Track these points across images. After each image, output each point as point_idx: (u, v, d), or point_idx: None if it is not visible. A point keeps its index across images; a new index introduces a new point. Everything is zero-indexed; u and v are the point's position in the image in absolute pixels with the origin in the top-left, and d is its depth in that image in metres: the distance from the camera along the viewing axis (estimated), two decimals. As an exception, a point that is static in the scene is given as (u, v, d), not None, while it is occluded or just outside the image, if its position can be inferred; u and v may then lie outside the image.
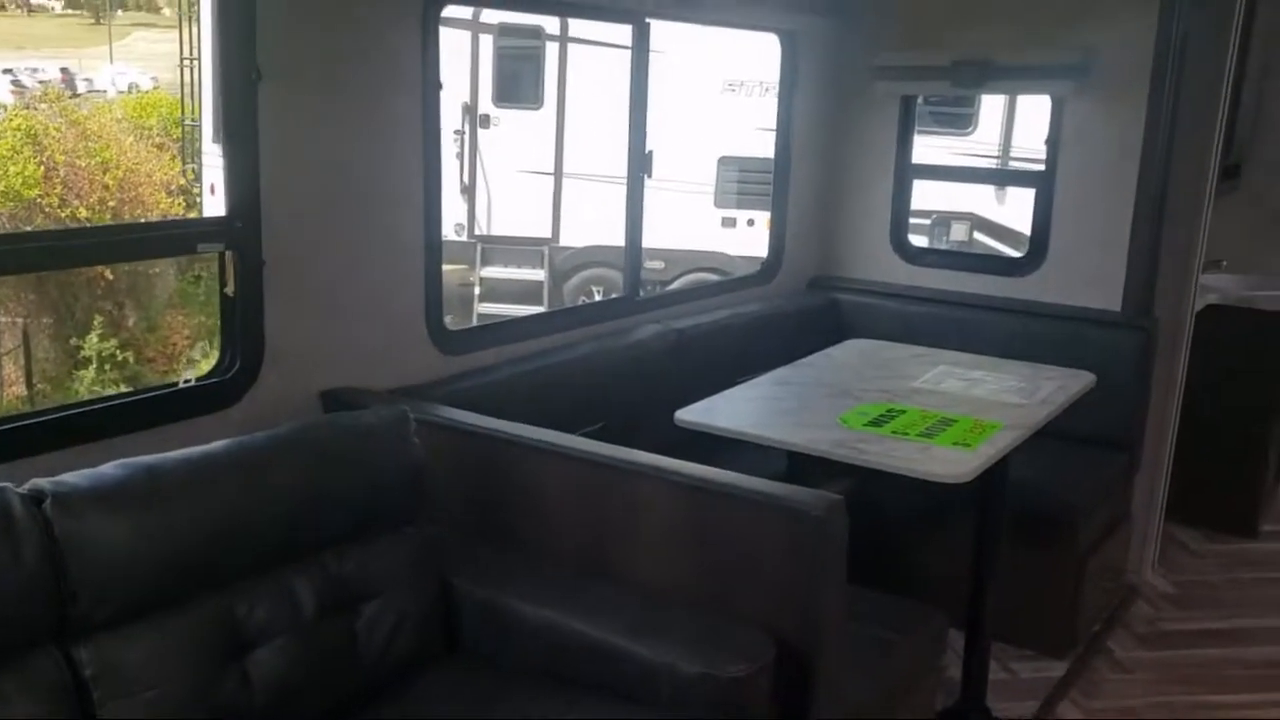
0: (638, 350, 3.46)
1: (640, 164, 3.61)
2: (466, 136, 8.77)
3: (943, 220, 7.87)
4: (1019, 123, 7.63)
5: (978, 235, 7.95)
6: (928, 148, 7.59)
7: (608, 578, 2.27)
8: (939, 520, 3.49)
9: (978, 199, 7.84)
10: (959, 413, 2.91)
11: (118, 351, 9.58)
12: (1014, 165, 7.70)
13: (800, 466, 2.95)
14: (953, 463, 2.56)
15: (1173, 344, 4.01)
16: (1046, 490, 3.42)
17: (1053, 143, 3.96)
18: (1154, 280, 3.88)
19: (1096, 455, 3.71)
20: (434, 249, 2.87)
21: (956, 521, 3.26)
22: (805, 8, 3.97)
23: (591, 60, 8.35)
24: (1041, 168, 4.03)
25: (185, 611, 1.91)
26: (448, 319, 3.00)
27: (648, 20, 3.47)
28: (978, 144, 7.88)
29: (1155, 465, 4.11)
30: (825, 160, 4.38)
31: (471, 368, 3.00)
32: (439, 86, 2.83)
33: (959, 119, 7.99)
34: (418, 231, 2.83)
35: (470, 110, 8.77)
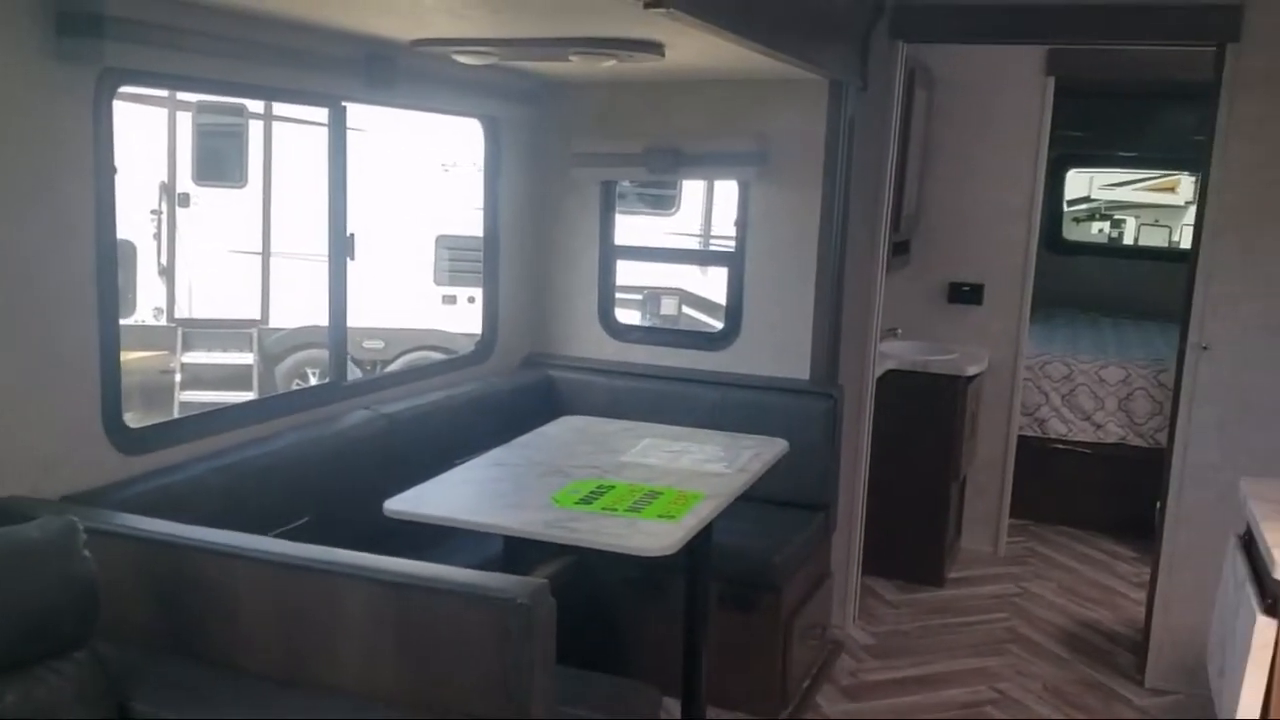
0: (344, 438, 3.34)
1: (342, 246, 3.53)
2: (164, 216, 8.30)
3: (654, 295, 8.19)
4: (717, 204, 8.07)
5: (686, 309, 8.31)
6: (637, 228, 7.87)
7: (307, 687, 2.15)
8: (655, 592, 3.57)
9: (686, 275, 8.21)
10: (664, 485, 3.00)
11: None
12: (715, 244, 8.12)
13: (517, 549, 2.95)
14: (658, 535, 2.62)
15: (858, 409, 4.33)
16: (750, 555, 3.57)
17: (741, 224, 4.21)
18: (837, 350, 4.18)
19: (796, 517, 3.91)
20: (109, 341, 2.67)
21: (671, 592, 3.34)
22: (504, 95, 4.04)
23: (299, 137, 8.14)
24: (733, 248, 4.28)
25: None
26: (129, 415, 2.78)
27: (344, 104, 3.42)
28: (682, 224, 8.28)
29: (850, 523, 4.39)
30: (534, 240, 4.45)
31: (159, 466, 2.80)
32: (114, 170, 2.66)
33: (663, 200, 8.37)
34: (90, 322, 2.63)
35: (168, 189, 8.32)
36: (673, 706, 3.28)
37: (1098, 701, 4.01)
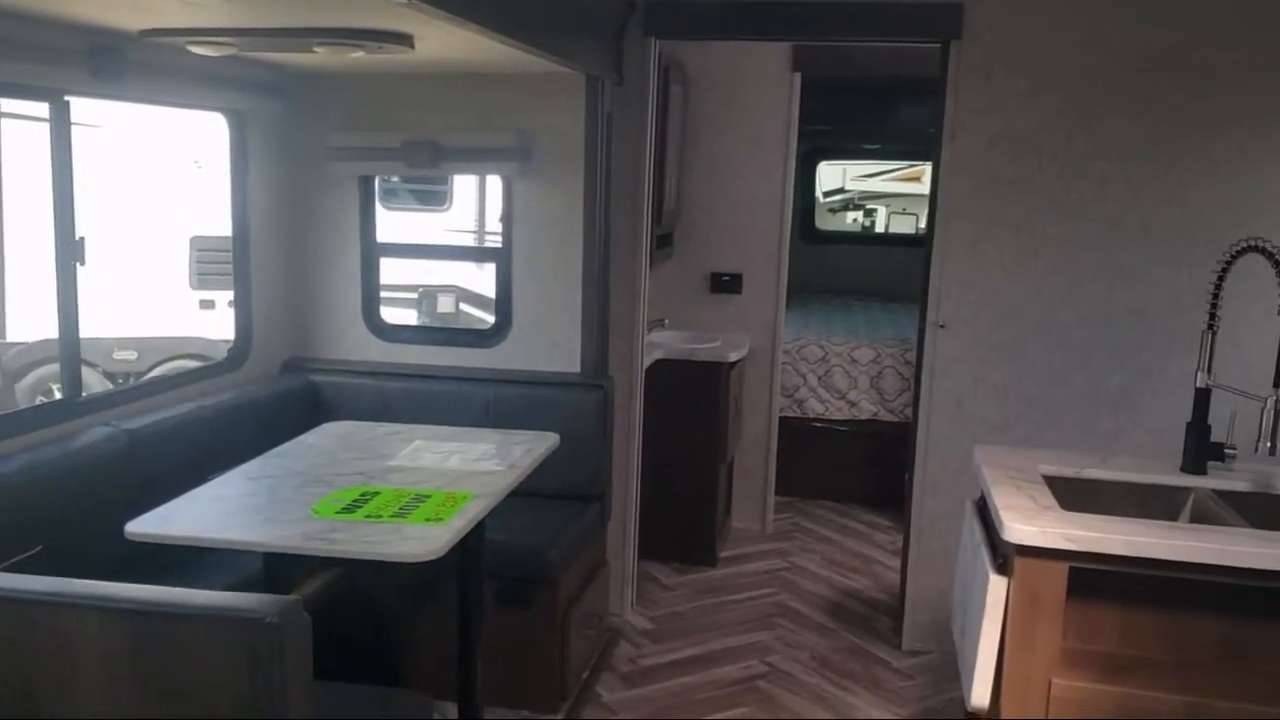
0: (80, 458, 3.10)
1: (70, 250, 3.27)
2: None
3: (430, 293, 8.03)
4: (491, 200, 8.00)
5: (465, 307, 8.20)
6: (412, 224, 7.69)
7: (44, 727, 1.99)
8: (429, 596, 3.50)
9: (463, 271, 8.09)
10: (432, 487, 2.95)
11: None
12: (490, 240, 8.05)
13: (278, 567, 2.83)
14: (424, 539, 2.57)
15: (629, 399, 4.39)
16: (525, 550, 3.57)
17: (507, 220, 4.19)
18: (606, 342, 4.23)
19: (571, 509, 3.93)
20: None
21: (445, 595, 3.29)
22: (247, 87, 3.86)
23: (33, 134, 7.49)
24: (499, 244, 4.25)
25: None
26: None
27: (67, 98, 3.17)
28: (455, 219, 8.16)
29: (625, 511, 4.45)
30: (290, 238, 4.28)
31: None
32: None
33: (435, 196, 8.22)
34: None
35: None
36: (452, 710, 3.24)
37: (860, 667, 4.23)
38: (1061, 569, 2.43)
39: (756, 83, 5.47)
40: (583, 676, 3.90)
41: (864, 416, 6.06)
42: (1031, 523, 2.44)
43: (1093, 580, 2.43)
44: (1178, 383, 4.08)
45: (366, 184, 4.25)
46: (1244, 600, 2.37)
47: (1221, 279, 2.85)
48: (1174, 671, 2.42)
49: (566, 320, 4.15)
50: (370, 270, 4.29)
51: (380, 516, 2.73)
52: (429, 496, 2.88)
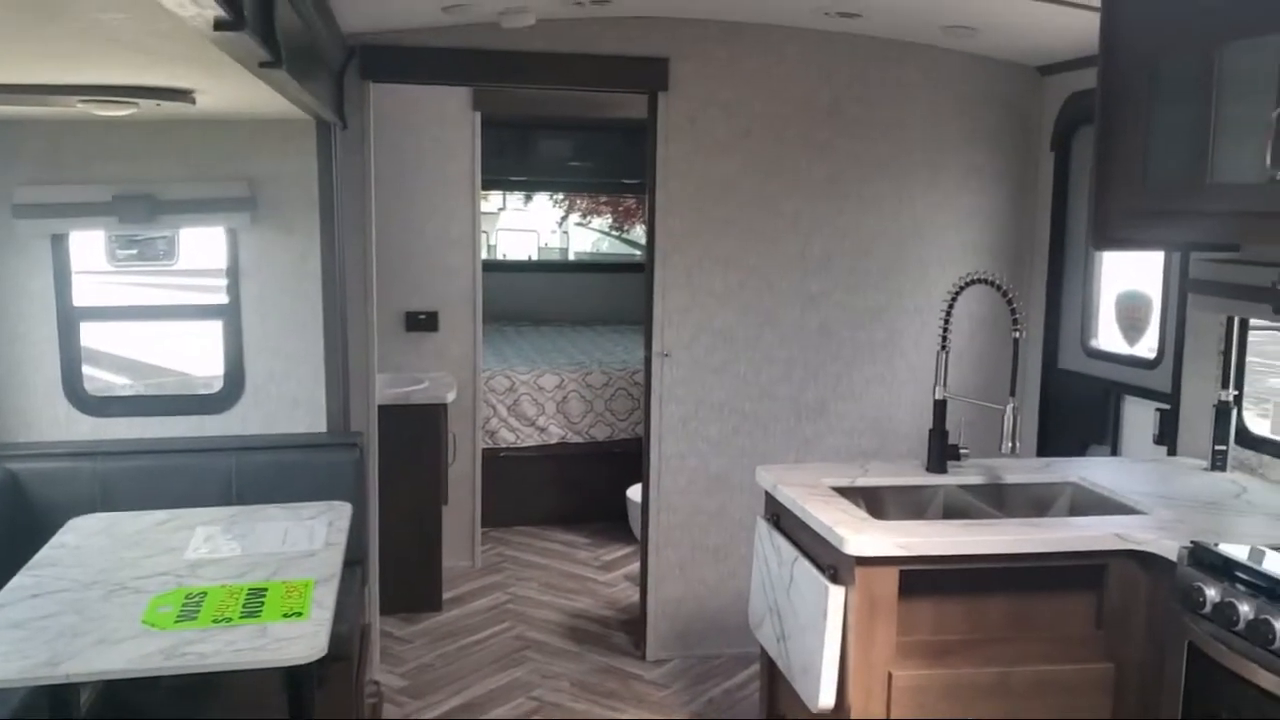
0: None
1: None
2: None
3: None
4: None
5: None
6: (133, 283, 6.74)
7: None
8: (208, 696, 3.21)
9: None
10: (261, 579, 2.74)
11: None
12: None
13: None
14: (302, 638, 2.41)
15: (367, 451, 4.26)
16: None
17: (234, 274, 3.90)
18: (348, 396, 4.08)
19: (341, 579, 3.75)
20: None
21: (225, 692, 3.05)
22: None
23: None
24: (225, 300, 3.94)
25: None
26: None
27: None
28: (184, 273, 7.29)
29: (372, 570, 4.31)
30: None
31: None
32: None
33: (154, 248, 7.24)
34: None
35: None
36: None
37: (619, 684, 4.42)
38: (894, 573, 2.77)
39: (440, 122, 5.49)
40: (371, 746, 3.75)
41: (553, 441, 6.25)
42: (864, 535, 2.76)
43: (911, 578, 2.80)
44: (861, 390, 4.71)
45: (60, 242, 3.76)
46: (1022, 579, 2.85)
47: (951, 306, 3.35)
48: (981, 648, 2.84)
49: (309, 375, 3.95)
50: (70, 338, 3.80)
51: (230, 620, 2.51)
52: (266, 589, 2.68)
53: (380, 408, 4.72)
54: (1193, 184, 2.92)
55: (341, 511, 3.24)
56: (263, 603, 2.60)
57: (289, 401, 3.96)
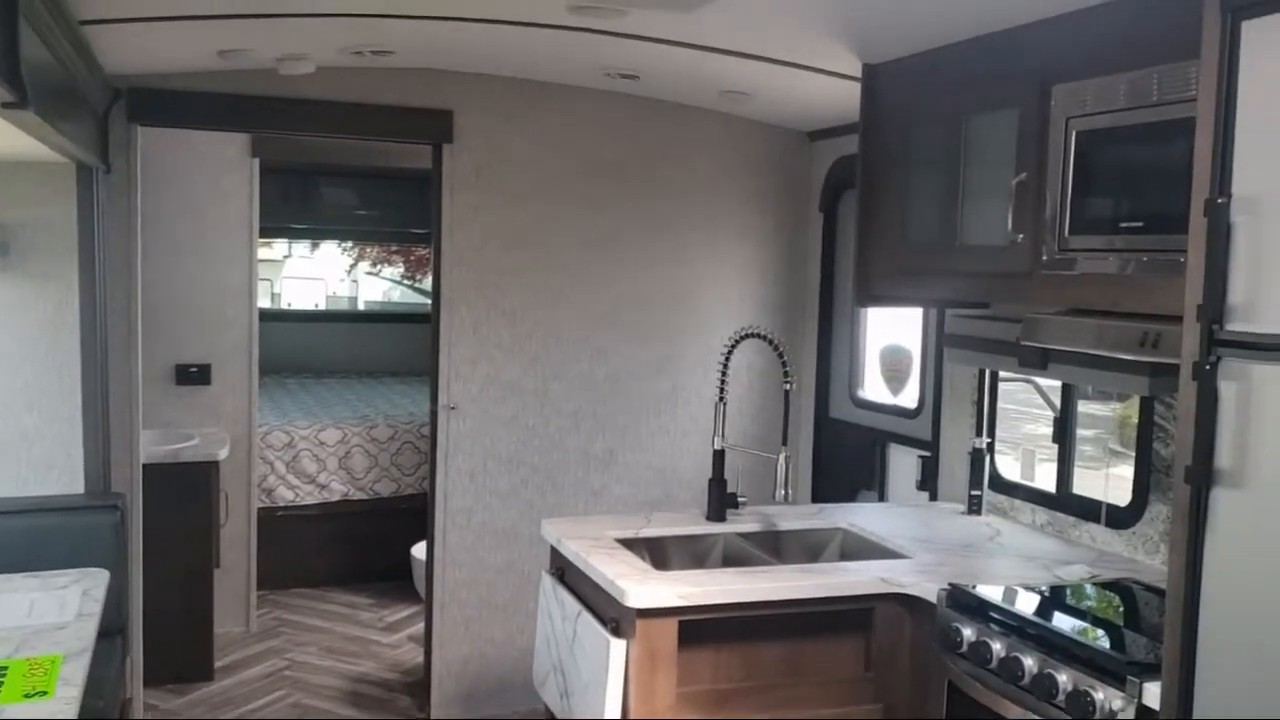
0: None
1: None
2: None
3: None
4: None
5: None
6: None
7: None
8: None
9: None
10: (1, 657, 2.52)
11: None
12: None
13: None
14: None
15: (130, 513, 4.00)
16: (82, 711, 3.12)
17: (-24, 325, 3.62)
18: (109, 454, 3.83)
19: (100, 651, 3.48)
20: None
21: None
22: None
23: None
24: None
25: None
26: None
27: None
28: None
29: (135, 639, 4.04)
30: None
31: None
32: None
33: None
34: None
35: None
36: None
37: (401, 748, 4.30)
38: (673, 624, 2.81)
39: (216, 167, 5.28)
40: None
41: (334, 498, 6.05)
42: (645, 586, 2.79)
43: (691, 628, 2.85)
44: (648, 440, 4.80)
45: None
46: (797, 624, 2.94)
47: (727, 359, 3.46)
48: (758, 695, 2.91)
49: (66, 433, 3.69)
50: None
51: (-37, 703, 2.29)
52: (6, 668, 2.46)
53: (146, 466, 4.45)
54: (945, 245, 3.14)
55: (97, 579, 3.02)
56: (1, 683, 2.38)
57: (42, 463, 3.68)
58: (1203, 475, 1.92)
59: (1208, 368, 1.92)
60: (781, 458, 3.29)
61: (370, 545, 6.12)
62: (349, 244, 10.28)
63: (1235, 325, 1.89)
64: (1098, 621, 2.60)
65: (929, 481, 3.92)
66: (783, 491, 3.30)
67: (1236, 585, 1.90)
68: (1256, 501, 1.85)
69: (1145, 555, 3.01)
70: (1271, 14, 1.84)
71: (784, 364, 3.36)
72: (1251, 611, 1.86)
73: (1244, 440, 1.87)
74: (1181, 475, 1.96)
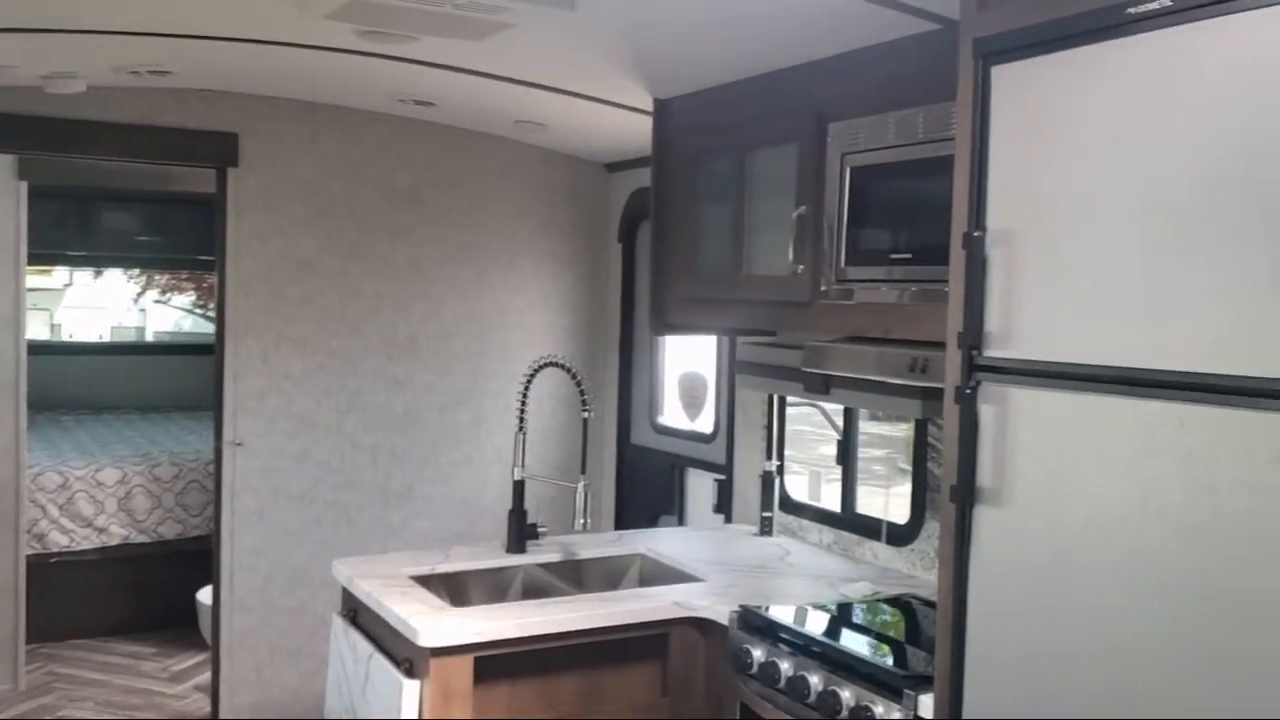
0: None
1: None
2: None
3: None
4: None
5: None
6: None
7: None
8: None
9: None
10: None
11: None
12: None
13: None
14: None
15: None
16: None
17: None
18: None
19: None
20: None
21: None
22: None
23: None
24: None
25: None
26: None
27: None
28: None
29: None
30: None
31: None
32: None
33: None
34: None
35: None
36: None
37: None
38: (468, 661, 2.75)
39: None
40: None
41: (114, 542, 5.67)
42: (439, 624, 2.73)
43: (487, 664, 2.80)
44: (450, 472, 4.72)
45: None
46: (595, 653, 2.93)
47: (527, 388, 3.44)
48: (557, 727, 2.89)
49: None
50: None
51: None
52: None
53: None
54: (733, 275, 3.22)
55: None
56: None
57: None
58: (966, 493, 2.02)
59: (968, 391, 2.02)
60: (580, 486, 3.29)
61: (154, 591, 5.76)
62: (135, 271, 9.72)
63: (993, 351, 2.00)
64: (881, 638, 2.70)
65: (724, 504, 3.99)
66: (582, 520, 3.29)
67: (998, 598, 2.00)
68: (1014, 518, 1.96)
69: (923, 571, 3.15)
70: (1018, 60, 1.97)
71: (582, 392, 3.37)
72: (1012, 622, 1.96)
73: (1002, 460, 1.97)
74: (948, 494, 2.06)
